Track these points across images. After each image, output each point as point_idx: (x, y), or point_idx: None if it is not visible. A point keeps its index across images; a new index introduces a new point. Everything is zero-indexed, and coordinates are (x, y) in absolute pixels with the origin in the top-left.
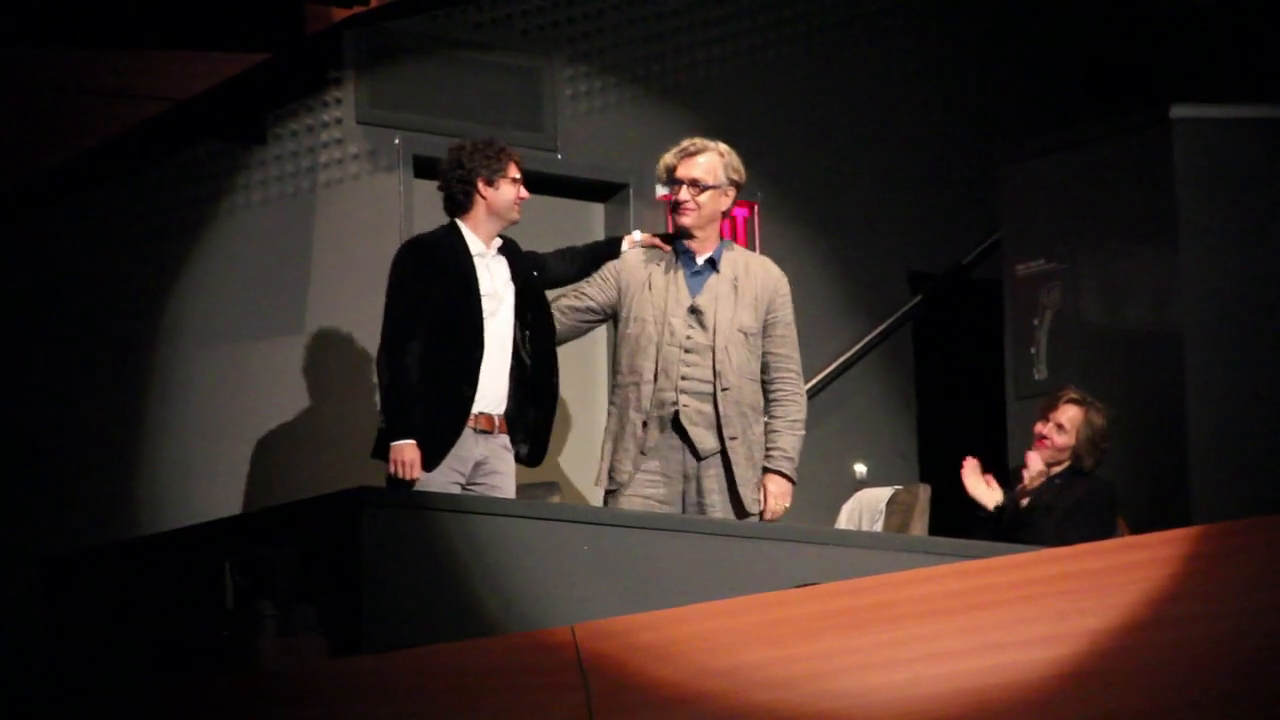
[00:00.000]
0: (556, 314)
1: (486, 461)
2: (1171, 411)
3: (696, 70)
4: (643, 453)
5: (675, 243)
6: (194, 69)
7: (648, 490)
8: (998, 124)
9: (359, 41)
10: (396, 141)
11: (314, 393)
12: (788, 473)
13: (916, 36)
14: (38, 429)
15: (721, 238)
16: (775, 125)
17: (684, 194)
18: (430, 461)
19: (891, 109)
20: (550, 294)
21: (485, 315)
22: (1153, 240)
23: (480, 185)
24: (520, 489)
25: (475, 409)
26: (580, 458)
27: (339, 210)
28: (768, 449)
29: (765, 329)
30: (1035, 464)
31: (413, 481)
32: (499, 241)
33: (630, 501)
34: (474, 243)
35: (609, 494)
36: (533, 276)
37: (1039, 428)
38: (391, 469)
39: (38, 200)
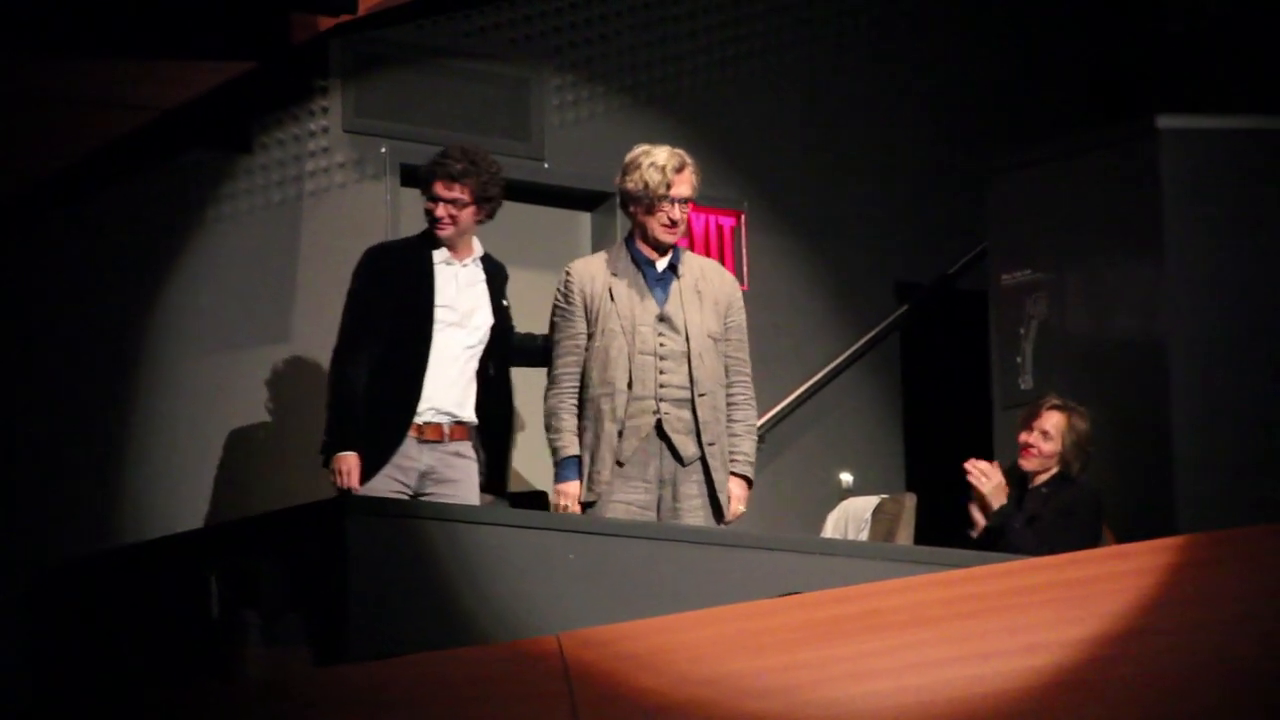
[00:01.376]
0: (556, 411)
1: (434, 471)
2: (1157, 421)
3: (684, 80)
4: (619, 462)
5: (628, 250)
6: (180, 78)
7: (630, 496)
8: (984, 134)
9: (345, 50)
10: (383, 150)
11: (300, 401)
12: (750, 476)
13: (903, 48)
14: (23, 438)
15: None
16: (762, 135)
17: (678, 212)
18: (370, 471)
19: (878, 119)
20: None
21: (440, 324)
22: (1139, 250)
23: (424, 200)
24: (509, 499)
25: (421, 419)
26: None
27: (325, 219)
28: (732, 453)
29: (724, 333)
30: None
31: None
32: (475, 255)
33: (612, 508)
34: (441, 251)
35: (587, 505)
36: (502, 304)
37: (1024, 437)
38: (333, 479)
39: (24, 209)
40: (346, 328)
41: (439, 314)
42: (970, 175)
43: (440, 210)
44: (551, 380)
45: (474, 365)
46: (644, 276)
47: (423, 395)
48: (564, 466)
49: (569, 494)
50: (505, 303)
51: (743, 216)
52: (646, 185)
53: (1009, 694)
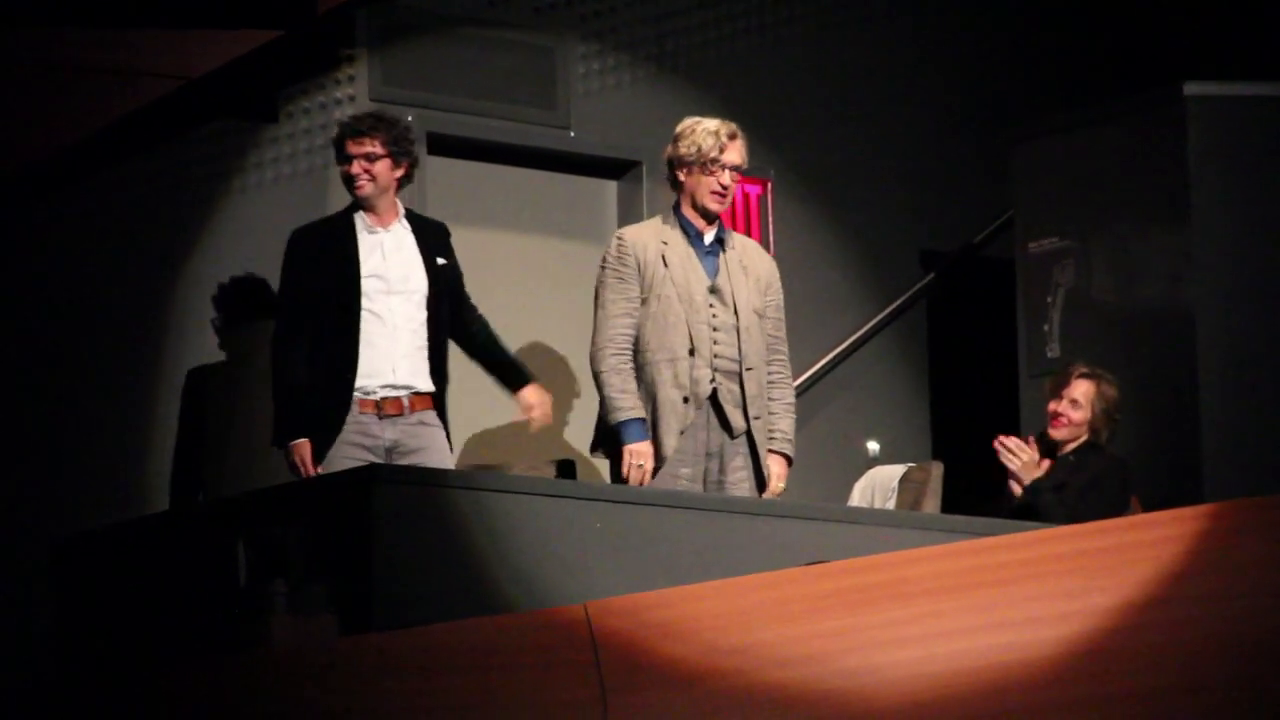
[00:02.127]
0: (612, 372)
1: (399, 444)
2: (1184, 389)
3: (709, 48)
4: (682, 431)
5: (677, 221)
6: (206, 47)
7: (685, 469)
8: (1010, 102)
9: (372, 19)
10: (409, 119)
11: None
12: (790, 454)
13: (929, 14)
14: (48, 410)
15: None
16: (788, 103)
17: (727, 179)
18: (320, 452)
19: (904, 87)
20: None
21: (374, 295)
22: (1165, 218)
23: (338, 167)
24: (534, 466)
25: (378, 395)
26: (588, 436)
27: None
28: (771, 431)
29: (765, 311)
30: (1012, 443)
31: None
32: (399, 217)
33: (664, 481)
34: (362, 222)
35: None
36: (438, 263)
37: (1053, 406)
38: (289, 469)
39: (50, 179)
40: (280, 314)
41: (369, 284)
42: (996, 143)
43: (355, 168)
44: (605, 342)
45: (425, 332)
46: (694, 247)
47: (378, 370)
48: (631, 428)
49: (644, 454)
50: (442, 261)
51: (769, 185)
52: (699, 149)
53: (1036, 662)
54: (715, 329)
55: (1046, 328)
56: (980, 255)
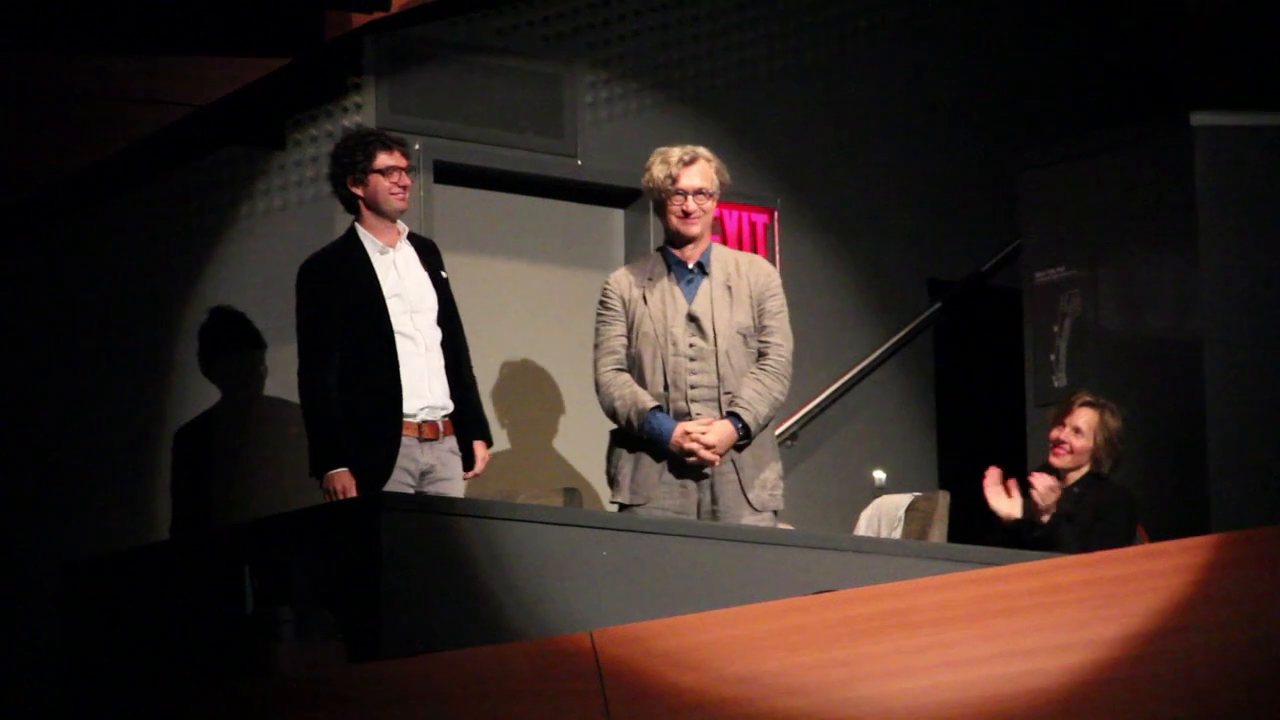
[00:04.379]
0: (613, 379)
1: (433, 469)
2: (1191, 418)
3: (717, 77)
4: (663, 465)
5: (661, 253)
6: (214, 74)
7: (667, 502)
8: (1017, 131)
9: (379, 47)
10: (417, 147)
11: None
12: (745, 420)
13: (937, 43)
14: (57, 433)
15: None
16: (795, 131)
17: (691, 204)
18: (373, 485)
19: (911, 116)
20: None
21: (399, 314)
22: (1173, 247)
23: (350, 185)
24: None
25: (419, 418)
26: (597, 463)
27: None
28: (740, 400)
29: (757, 321)
30: (1043, 483)
31: None
32: (403, 236)
33: (652, 513)
34: (371, 243)
35: (629, 507)
36: (440, 276)
37: (1055, 434)
38: (327, 499)
39: (59, 205)
40: (305, 343)
41: (392, 304)
42: (1004, 172)
43: (399, 179)
44: (600, 364)
45: (441, 352)
46: (676, 277)
47: (417, 392)
48: (654, 418)
49: (685, 429)
50: (444, 274)
51: (775, 213)
52: (656, 180)
53: (1042, 692)
54: (691, 359)
55: (1053, 357)
56: (987, 284)
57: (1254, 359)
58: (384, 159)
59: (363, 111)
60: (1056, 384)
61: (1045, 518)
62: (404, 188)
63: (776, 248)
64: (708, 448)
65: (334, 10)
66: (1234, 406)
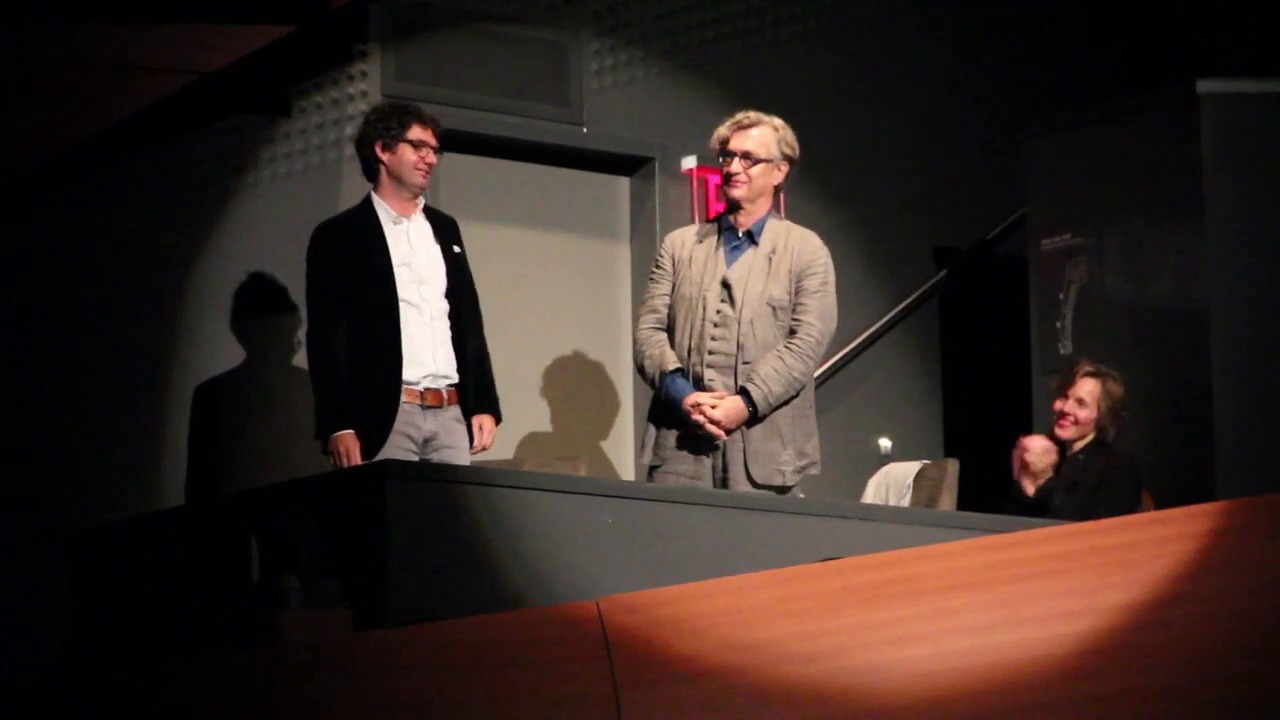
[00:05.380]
0: (648, 336)
1: (436, 437)
2: (1197, 386)
3: (722, 44)
4: (678, 428)
5: (720, 218)
6: (219, 42)
7: (680, 466)
8: (1024, 98)
9: (385, 14)
10: None
11: None
12: (755, 400)
13: (942, 10)
14: (62, 404)
15: (778, 211)
16: (800, 98)
17: (735, 166)
18: (372, 446)
19: (917, 83)
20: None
21: (407, 284)
22: (1179, 215)
23: (378, 150)
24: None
25: (420, 385)
26: (603, 431)
27: (364, 183)
28: (756, 376)
29: (794, 297)
30: (1039, 444)
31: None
32: (419, 208)
33: (665, 478)
34: (385, 213)
35: (652, 469)
36: (453, 251)
37: (1059, 405)
38: (331, 460)
39: (64, 174)
40: (313, 307)
41: (400, 273)
42: (1010, 140)
43: (426, 154)
44: (639, 321)
45: (449, 322)
46: (724, 243)
47: (419, 360)
48: (672, 381)
49: (696, 400)
50: (457, 249)
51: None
52: (714, 139)
53: (1049, 659)
54: (716, 324)
55: (1059, 325)
56: (993, 252)
57: (1259, 326)
58: (418, 132)
59: (368, 79)
60: (1062, 351)
61: (1032, 489)
62: (429, 165)
63: (782, 214)
64: (713, 422)
65: None
66: (1239, 373)
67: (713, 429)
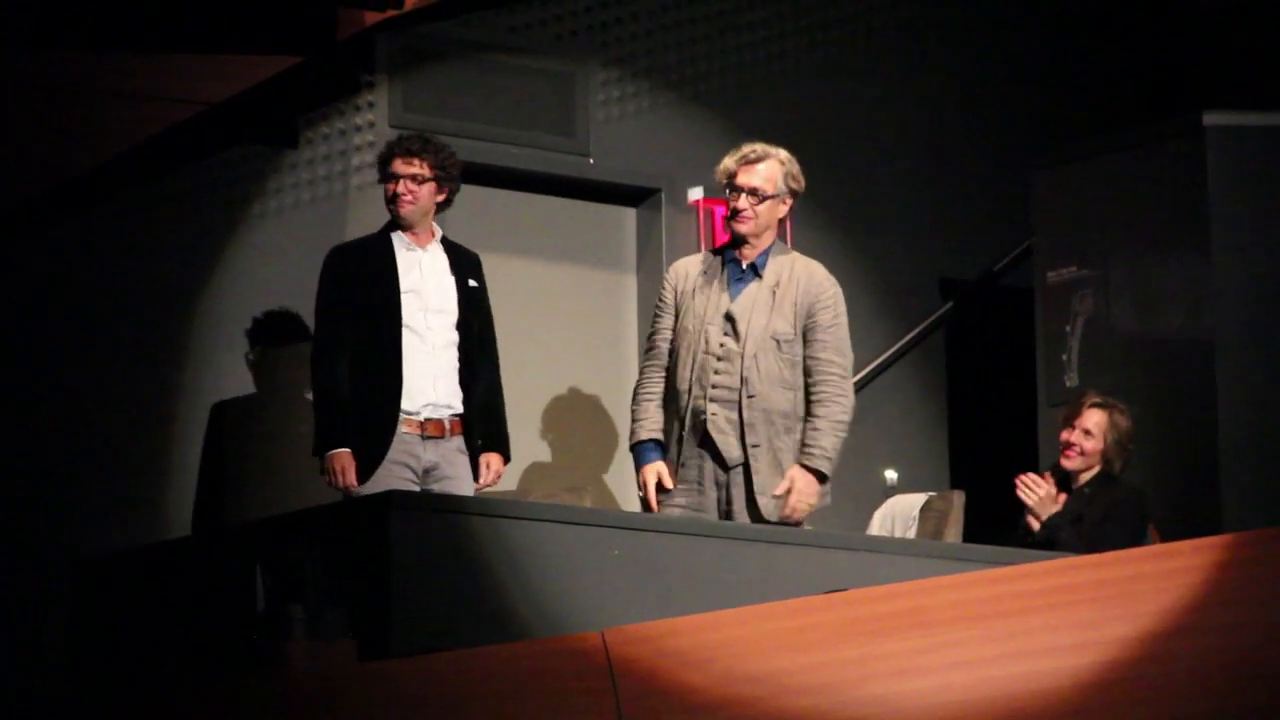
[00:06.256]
0: (641, 394)
1: (437, 467)
2: (1203, 418)
3: (729, 75)
4: (681, 463)
5: (724, 249)
6: (226, 72)
7: (680, 499)
8: (1030, 130)
9: (392, 45)
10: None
11: None
12: (821, 469)
13: (949, 43)
14: (70, 431)
15: (784, 241)
16: (806, 130)
17: (742, 202)
18: (366, 470)
19: (924, 114)
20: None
21: (414, 311)
22: (1185, 247)
23: (383, 184)
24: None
25: (421, 415)
26: (608, 462)
27: (371, 214)
28: (805, 445)
29: (805, 334)
30: (1042, 491)
31: (349, 490)
32: (435, 239)
33: (668, 511)
34: (400, 240)
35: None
36: (469, 284)
37: (1065, 435)
38: (326, 479)
39: (70, 203)
40: (320, 328)
41: (408, 299)
42: (1016, 171)
43: (401, 187)
44: (641, 369)
45: (457, 354)
46: (728, 276)
47: (420, 389)
48: (637, 452)
49: (645, 476)
50: (474, 284)
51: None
52: (720, 172)
53: (1054, 692)
54: (719, 358)
55: (1065, 357)
56: (999, 284)
57: (1266, 358)
58: (397, 165)
59: (375, 110)
60: (1069, 383)
61: (1037, 525)
62: (410, 194)
63: (788, 245)
64: (794, 510)
65: (347, 8)
66: (1246, 406)
67: (795, 516)
